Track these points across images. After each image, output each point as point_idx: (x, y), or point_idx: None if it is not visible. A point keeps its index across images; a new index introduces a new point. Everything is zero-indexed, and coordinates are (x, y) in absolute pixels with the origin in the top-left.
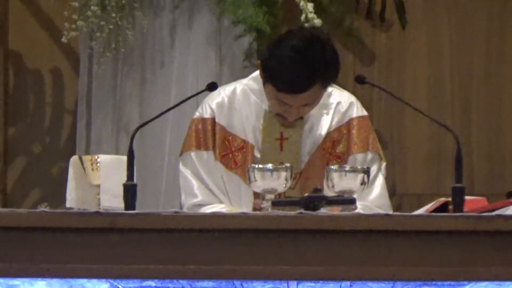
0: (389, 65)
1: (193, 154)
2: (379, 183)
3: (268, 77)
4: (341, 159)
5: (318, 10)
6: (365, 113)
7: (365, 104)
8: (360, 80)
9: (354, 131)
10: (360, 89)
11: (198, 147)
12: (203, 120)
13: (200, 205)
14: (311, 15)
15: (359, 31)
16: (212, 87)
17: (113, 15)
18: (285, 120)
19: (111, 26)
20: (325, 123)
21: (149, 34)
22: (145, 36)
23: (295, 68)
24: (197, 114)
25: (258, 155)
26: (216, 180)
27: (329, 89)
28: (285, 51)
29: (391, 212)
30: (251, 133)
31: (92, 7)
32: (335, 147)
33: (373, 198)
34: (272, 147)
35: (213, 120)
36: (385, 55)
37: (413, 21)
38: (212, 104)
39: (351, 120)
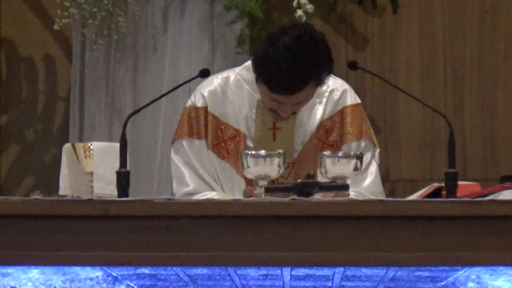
0: (381, 50)
1: (185, 142)
2: (373, 170)
3: (260, 77)
4: (334, 148)
5: None
6: (358, 100)
7: (358, 90)
8: (352, 66)
9: (347, 120)
10: (353, 74)
11: (191, 135)
12: (195, 108)
13: (192, 193)
14: (303, 1)
15: (351, 17)
16: (204, 73)
17: (105, 1)
18: (278, 116)
19: (103, 13)
20: (318, 112)
21: (142, 20)
22: (137, 22)
23: (288, 70)
24: (189, 102)
25: (250, 144)
26: (208, 168)
27: None
28: (277, 52)
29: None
30: (244, 122)
31: None
32: (328, 136)
33: (367, 185)
34: (265, 137)
35: (205, 109)
36: (377, 40)
37: (405, 5)
38: (204, 92)
39: (344, 108)
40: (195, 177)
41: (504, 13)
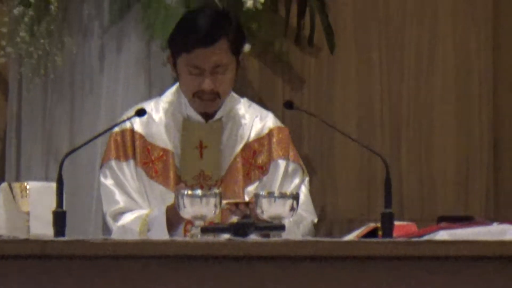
0: (318, 90)
1: (113, 162)
2: (302, 191)
3: (175, 45)
4: (263, 169)
5: (247, 35)
6: (283, 126)
7: (294, 130)
8: (289, 105)
9: (274, 139)
10: (289, 114)
11: (118, 158)
12: (121, 132)
13: (122, 212)
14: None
15: (288, 56)
16: (140, 113)
17: (42, 41)
18: (203, 101)
19: (40, 52)
20: (244, 131)
21: (78, 59)
22: (74, 61)
23: (199, 21)
24: (115, 129)
25: (178, 163)
26: (137, 187)
27: (248, 103)
28: (190, 15)
29: (315, 220)
30: (171, 141)
31: (20, 33)
32: (256, 158)
33: (299, 204)
34: (191, 155)
35: (131, 130)
36: (314, 79)
37: (342, 45)
38: (129, 115)
39: (271, 130)
40: (125, 195)
41: (441, 53)
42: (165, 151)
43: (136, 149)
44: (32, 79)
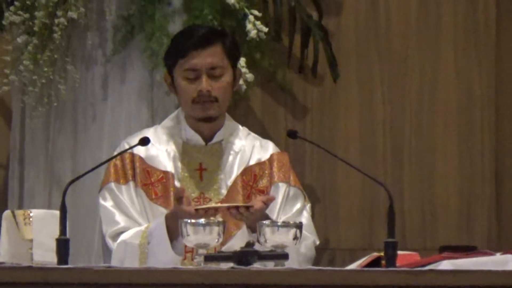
0: (321, 119)
1: (112, 185)
2: (304, 216)
3: (171, 55)
4: (264, 193)
5: (250, 64)
6: (283, 152)
7: (297, 159)
8: (292, 135)
9: (275, 164)
10: (292, 143)
11: (117, 181)
12: (121, 156)
13: (122, 232)
14: (243, 70)
15: (291, 85)
16: (144, 141)
17: (45, 69)
18: (202, 105)
19: (43, 80)
20: (244, 155)
21: (81, 87)
22: (77, 90)
23: (195, 30)
24: (115, 153)
25: (178, 184)
26: (138, 208)
27: (246, 131)
28: (184, 29)
29: (317, 242)
30: (171, 163)
31: (24, 62)
32: (257, 182)
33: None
34: (191, 178)
35: (130, 153)
36: (317, 109)
37: (345, 74)
38: (129, 141)
39: (271, 155)
40: (125, 216)
41: (443, 82)
42: (165, 173)
43: (136, 171)
44: (35, 107)
